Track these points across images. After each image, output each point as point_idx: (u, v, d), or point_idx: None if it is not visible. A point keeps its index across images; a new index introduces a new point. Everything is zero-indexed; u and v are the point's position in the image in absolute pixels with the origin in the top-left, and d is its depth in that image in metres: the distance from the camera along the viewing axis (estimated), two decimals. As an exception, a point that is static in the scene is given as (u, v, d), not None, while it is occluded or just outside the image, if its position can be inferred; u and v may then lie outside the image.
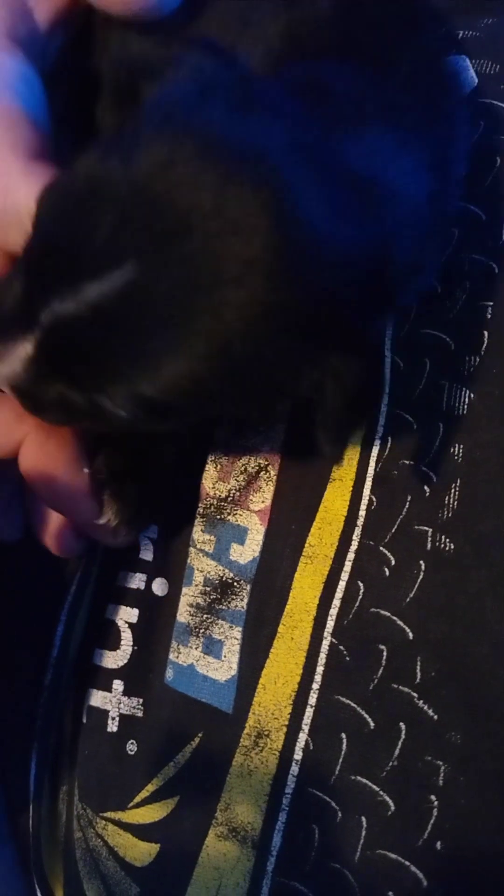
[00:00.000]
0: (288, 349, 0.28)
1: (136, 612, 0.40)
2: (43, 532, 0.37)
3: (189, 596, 0.38)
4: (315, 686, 0.33)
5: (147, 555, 0.41)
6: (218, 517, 0.38)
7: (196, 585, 0.38)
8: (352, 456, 0.35)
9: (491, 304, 0.33)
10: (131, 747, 0.38)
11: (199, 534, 0.38)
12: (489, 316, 0.33)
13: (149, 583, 0.40)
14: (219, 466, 0.38)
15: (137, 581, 0.41)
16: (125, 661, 0.40)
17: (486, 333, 0.33)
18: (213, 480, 0.38)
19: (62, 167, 0.29)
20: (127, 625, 0.40)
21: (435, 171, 0.32)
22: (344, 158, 0.29)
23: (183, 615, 0.38)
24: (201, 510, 0.38)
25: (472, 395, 0.33)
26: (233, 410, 0.35)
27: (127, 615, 0.40)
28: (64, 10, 0.34)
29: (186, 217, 0.26)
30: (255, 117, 0.27)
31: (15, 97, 0.32)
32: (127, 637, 0.40)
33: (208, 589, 0.37)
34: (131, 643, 0.40)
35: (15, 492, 0.38)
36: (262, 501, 0.37)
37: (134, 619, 0.40)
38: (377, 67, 0.33)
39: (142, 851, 0.36)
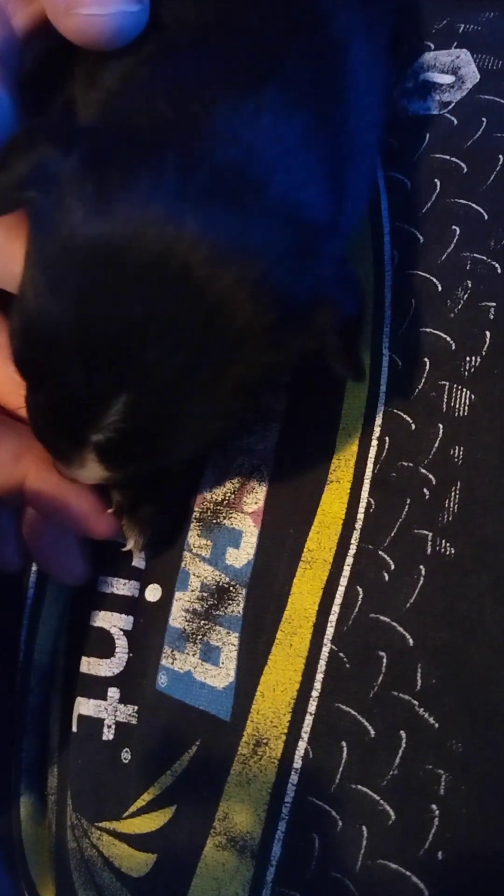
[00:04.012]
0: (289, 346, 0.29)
1: (130, 619, 0.40)
2: (52, 563, 0.38)
3: (184, 601, 0.37)
4: (315, 693, 0.33)
5: (139, 562, 0.40)
6: (214, 521, 0.37)
7: (192, 591, 0.37)
8: (349, 457, 0.34)
9: (493, 304, 0.33)
10: (125, 756, 0.38)
11: (194, 538, 0.38)
12: (491, 316, 0.33)
13: (142, 590, 0.40)
14: (217, 470, 0.38)
15: (131, 588, 0.40)
16: (121, 669, 0.40)
17: (487, 334, 0.33)
18: (211, 484, 0.38)
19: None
20: (122, 632, 0.40)
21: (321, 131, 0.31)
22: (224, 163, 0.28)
23: (177, 620, 0.37)
24: (197, 514, 0.38)
25: (473, 397, 0.32)
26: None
27: (121, 622, 0.40)
28: (44, 17, 0.34)
29: (145, 326, 0.27)
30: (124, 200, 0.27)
31: None
32: (122, 644, 0.40)
33: (205, 595, 0.37)
34: (127, 650, 0.40)
35: (10, 522, 0.38)
36: (255, 503, 0.36)
37: (129, 627, 0.40)
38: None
39: (138, 861, 0.36)
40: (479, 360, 0.32)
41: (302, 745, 0.33)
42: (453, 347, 0.33)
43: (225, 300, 0.27)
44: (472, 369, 0.32)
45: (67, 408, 0.29)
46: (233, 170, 0.27)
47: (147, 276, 0.26)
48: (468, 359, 0.33)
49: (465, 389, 0.32)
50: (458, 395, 0.32)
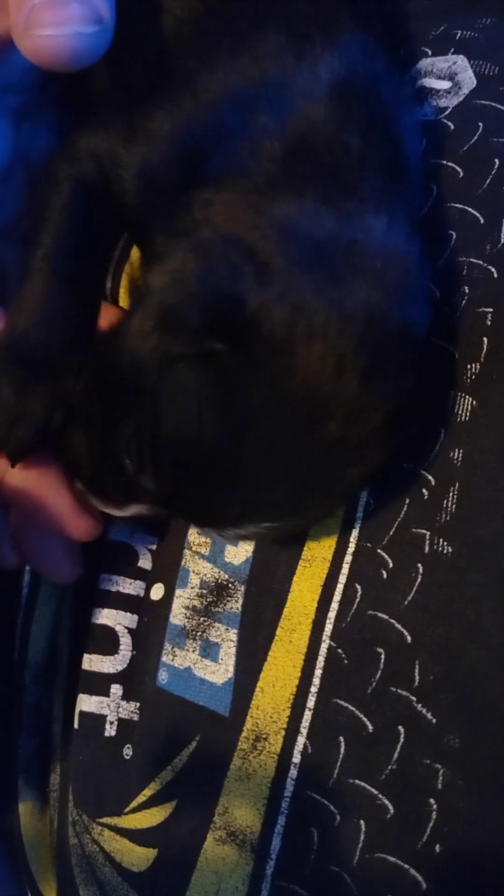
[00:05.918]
0: None
1: (135, 617, 0.40)
2: (38, 561, 0.38)
3: (184, 598, 0.38)
4: (313, 689, 0.33)
5: (146, 564, 0.41)
6: None
7: (192, 588, 0.38)
8: None
9: (491, 310, 0.33)
10: (127, 752, 0.38)
11: (194, 536, 0.38)
12: (489, 322, 0.33)
13: (147, 589, 0.40)
14: None
15: (136, 588, 0.41)
16: (124, 666, 0.40)
17: (485, 340, 0.33)
18: None
19: None
20: (126, 630, 0.40)
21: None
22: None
23: (178, 617, 0.38)
24: None
25: (474, 402, 0.32)
26: None
27: (126, 620, 0.40)
28: None
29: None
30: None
31: None
32: (126, 642, 0.40)
33: (204, 591, 0.37)
34: (131, 648, 0.40)
35: (3, 519, 0.38)
36: None
37: (134, 625, 0.40)
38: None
39: (139, 856, 0.36)
40: (478, 366, 0.33)
41: (301, 740, 0.33)
42: (457, 357, 0.33)
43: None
44: (473, 375, 0.33)
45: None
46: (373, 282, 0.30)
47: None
48: (469, 366, 0.33)
49: (465, 395, 0.33)
50: (460, 401, 0.33)
